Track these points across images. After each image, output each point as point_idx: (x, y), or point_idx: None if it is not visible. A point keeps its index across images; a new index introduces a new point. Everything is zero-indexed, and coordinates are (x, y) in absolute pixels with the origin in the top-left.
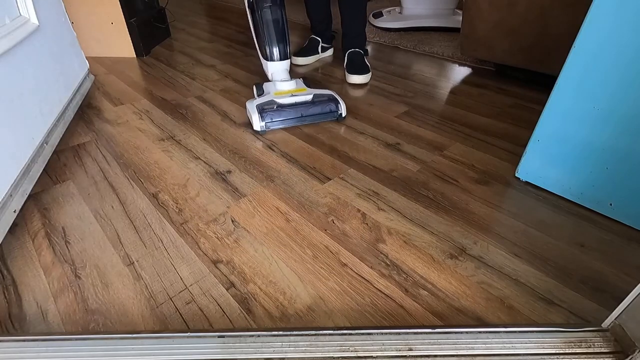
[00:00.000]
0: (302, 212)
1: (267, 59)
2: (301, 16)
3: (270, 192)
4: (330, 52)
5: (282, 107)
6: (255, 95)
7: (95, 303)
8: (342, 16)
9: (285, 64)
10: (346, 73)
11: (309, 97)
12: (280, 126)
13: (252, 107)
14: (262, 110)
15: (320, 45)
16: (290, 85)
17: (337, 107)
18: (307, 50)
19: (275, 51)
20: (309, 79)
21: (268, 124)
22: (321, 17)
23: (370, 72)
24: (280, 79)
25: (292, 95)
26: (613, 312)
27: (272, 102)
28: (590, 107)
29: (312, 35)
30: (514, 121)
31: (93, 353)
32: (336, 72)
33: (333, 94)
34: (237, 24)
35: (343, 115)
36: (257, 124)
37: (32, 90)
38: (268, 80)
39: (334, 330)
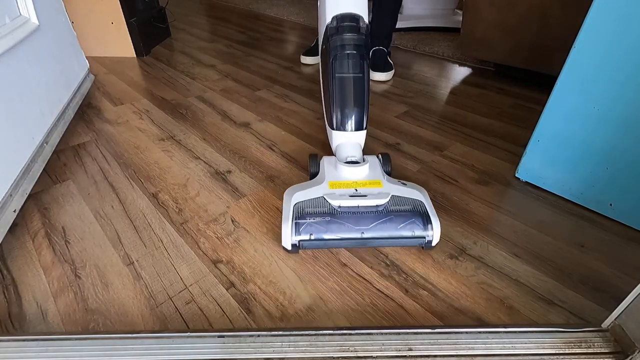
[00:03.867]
0: None
1: (332, 127)
2: (302, 17)
3: (270, 192)
4: None
5: (333, 215)
6: (310, 174)
7: (95, 303)
8: (374, 17)
9: (359, 136)
10: (370, 70)
11: (382, 202)
12: (324, 247)
13: (287, 205)
14: (300, 216)
15: None
16: (359, 173)
17: (425, 227)
18: (316, 49)
19: (346, 118)
20: (391, 149)
21: (305, 242)
22: None
23: (393, 70)
24: (346, 159)
25: (355, 195)
26: (613, 313)
27: (321, 201)
28: (591, 107)
29: None
30: (514, 121)
31: (93, 353)
32: None
33: (423, 200)
34: (237, 24)
35: (433, 244)
36: (288, 238)
37: (32, 90)
38: (330, 153)
39: (334, 330)
